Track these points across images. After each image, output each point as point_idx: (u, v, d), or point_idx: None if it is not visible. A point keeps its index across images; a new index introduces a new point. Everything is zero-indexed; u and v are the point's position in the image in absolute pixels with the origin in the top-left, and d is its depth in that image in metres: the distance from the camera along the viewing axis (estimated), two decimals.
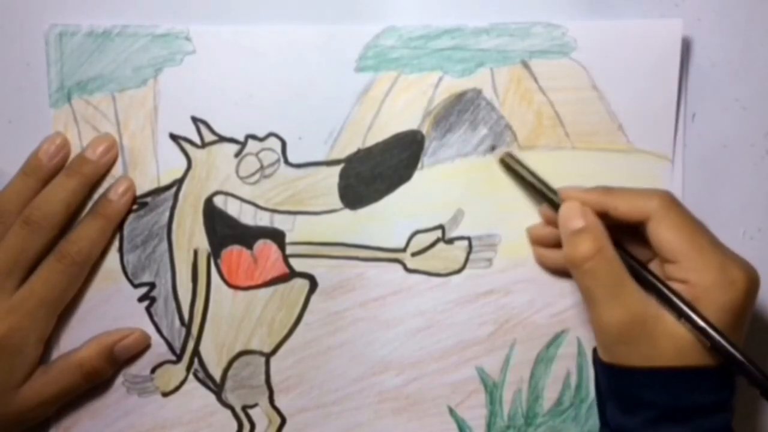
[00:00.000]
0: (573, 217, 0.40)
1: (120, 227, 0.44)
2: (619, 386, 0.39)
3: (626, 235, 0.40)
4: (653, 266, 0.40)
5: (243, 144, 0.44)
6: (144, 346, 0.44)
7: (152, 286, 0.45)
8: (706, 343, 0.36)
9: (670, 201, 0.39)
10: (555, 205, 0.41)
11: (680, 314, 0.37)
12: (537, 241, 0.44)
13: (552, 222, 0.42)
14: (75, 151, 0.44)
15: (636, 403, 0.38)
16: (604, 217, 0.40)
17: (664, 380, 0.37)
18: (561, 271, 0.44)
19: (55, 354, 0.44)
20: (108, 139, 0.44)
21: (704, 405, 0.37)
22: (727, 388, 0.38)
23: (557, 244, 0.41)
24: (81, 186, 0.43)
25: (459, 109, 0.44)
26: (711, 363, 0.37)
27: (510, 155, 0.44)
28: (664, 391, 0.37)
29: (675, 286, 0.38)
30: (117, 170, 0.44)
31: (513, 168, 0.43)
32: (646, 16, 0.45)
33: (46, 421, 0.44)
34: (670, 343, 0.37)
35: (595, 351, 0.41)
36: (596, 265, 0.38)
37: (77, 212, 0.44)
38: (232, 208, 0.45)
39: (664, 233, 0.38)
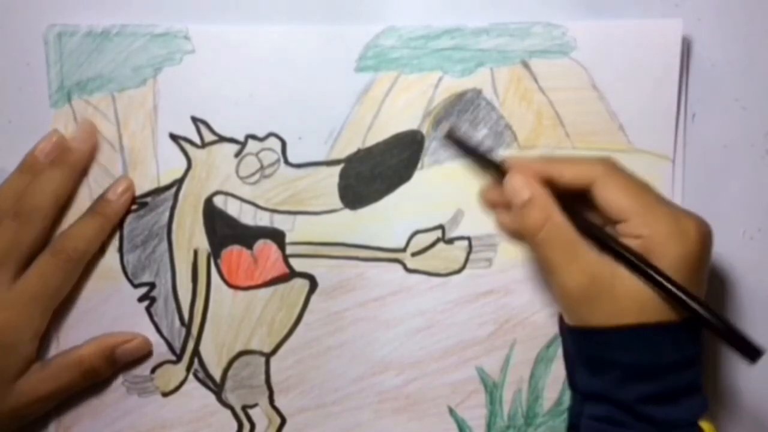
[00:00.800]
0: (518, 189, 0.40)
1: (120, 227, 0.44)
2: (585, 348, 0.39)
3: (577, 202, 0.39)
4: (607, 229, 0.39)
5: (243, 144, 0.44)
6: (145, 353, 0.44)
7: (152, 286, 0.45)
8: (663, 294, 0.36)
9: (613, 166, 0.39)
10: (502, 175, 0.41)
11: (634, 268, 0.37)
12: (492, 204, 0.43)
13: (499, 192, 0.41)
14: None
15: (603, 364, 0.38)
16: (551, 185, 0.40)
17: (628, 338, 0.37)
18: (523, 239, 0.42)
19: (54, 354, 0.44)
20: (89, 125, 0.44)
21: (670, 361, 0.37)
22: (693, 343, 0.37)
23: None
24: (67, 176, 0.43)
25: (459, 109, 0.44)
26: (674, 318, 0.36)
27: (453, 130, 0.43)
28: (629, 348, 0.37)
29: (628, 241, 0.37)
30: (117, 170, 0.44)
31: (459, 141, 0.43)
32: (646, 16, 0.45)
33: (45, 421, 0.44)
34: (631, 300, 0.37)
35: (561, 318, 0.41)
36: (547, 234, 0.38)
37: (68, 203, 0.44)
38: (232, 208, 0.45)
39: (610, 194, 0.38)
